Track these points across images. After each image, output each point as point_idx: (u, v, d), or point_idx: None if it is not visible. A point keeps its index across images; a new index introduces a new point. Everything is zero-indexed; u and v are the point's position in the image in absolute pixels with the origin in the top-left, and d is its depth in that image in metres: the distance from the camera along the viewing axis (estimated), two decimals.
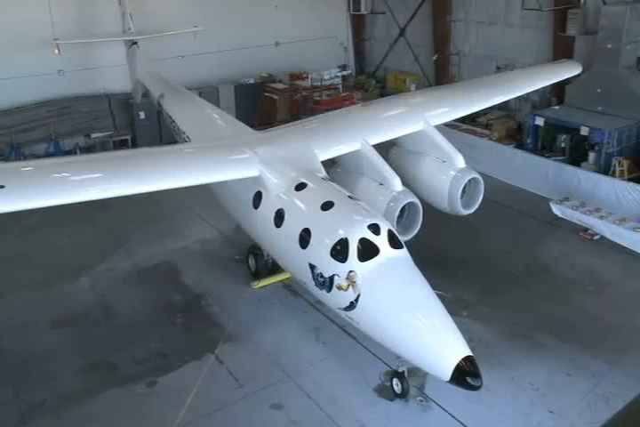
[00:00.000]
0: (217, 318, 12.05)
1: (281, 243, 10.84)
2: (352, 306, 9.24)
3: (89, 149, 21.53)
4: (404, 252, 9.59)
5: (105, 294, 13.09)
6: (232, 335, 11.46)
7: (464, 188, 12.52)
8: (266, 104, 23.90)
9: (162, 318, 12.17)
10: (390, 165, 12.02)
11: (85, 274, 13.83)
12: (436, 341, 8.64)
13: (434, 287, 9.25)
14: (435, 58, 24.47)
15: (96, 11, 21.80)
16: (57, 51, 19.59)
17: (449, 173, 12.57)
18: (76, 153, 21.13)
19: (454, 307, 9.66)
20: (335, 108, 16.94)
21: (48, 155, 20.93)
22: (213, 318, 12.04)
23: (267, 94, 24.02)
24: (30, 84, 20.76)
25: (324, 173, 11.28)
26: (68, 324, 12.08)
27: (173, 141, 16.08)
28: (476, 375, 8.40)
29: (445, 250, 14.16)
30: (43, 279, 13.56)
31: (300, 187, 10.69)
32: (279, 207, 10.78)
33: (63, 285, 13.39)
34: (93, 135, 21.86)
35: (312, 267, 9.85)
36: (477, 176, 12.58)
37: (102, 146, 21.76)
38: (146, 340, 11.44)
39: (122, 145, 21.97)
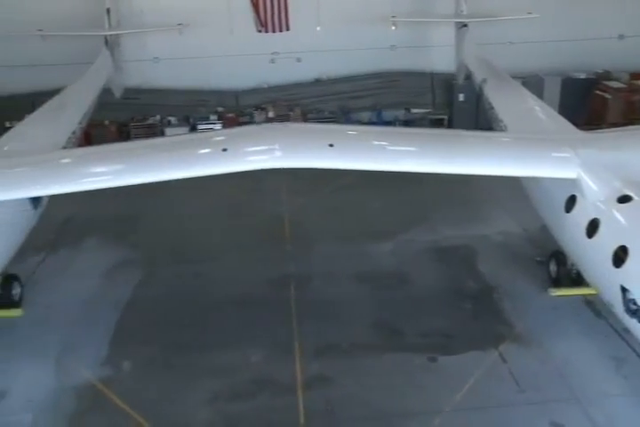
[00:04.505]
0: (507, 314, 11.82)
1: (590, 255, 10.16)
2: None
3: (407, 123, 22.64)
4: None
5: (403, 262, 13.75)
6: (520, 337, 11.13)
7: None
8: (596, 103, 22.23)
9: (451, 299, 12.37)
10: None
11: (389, 239, 14.68)
12: None
13: None
14: None
15: None
16: (393, 27, 21.25)
17: None
18: (394, 125, 22.41)
19: None
20: None
21: (370, 122, 22.58)
22: (503, 314, 11.85)
23: (598, 92, 22.34)
24: (365, 55, 22.63)
25: None
26: (366, 281, 12.97)
27: (488, 128, 15.91)
28: None
29: None
30: (350, 235, 14.85)
31: (625, 199, 9.76)
32: (594, 217, 10.04)
33: (367, 244, 14.44)
34: (413, 110, 22.95)
35: (624, 290, 9.01)
36: None
37: (420, 122, 22.64)
38: (433, 316, 11.77)
39: (438, 124, 22.57)
